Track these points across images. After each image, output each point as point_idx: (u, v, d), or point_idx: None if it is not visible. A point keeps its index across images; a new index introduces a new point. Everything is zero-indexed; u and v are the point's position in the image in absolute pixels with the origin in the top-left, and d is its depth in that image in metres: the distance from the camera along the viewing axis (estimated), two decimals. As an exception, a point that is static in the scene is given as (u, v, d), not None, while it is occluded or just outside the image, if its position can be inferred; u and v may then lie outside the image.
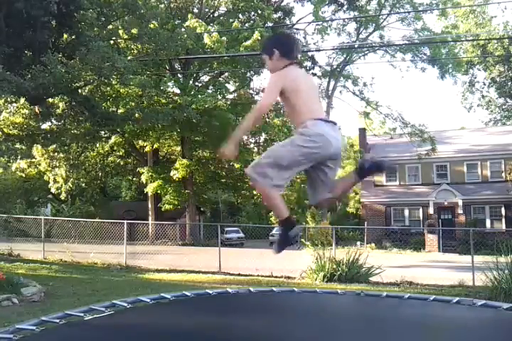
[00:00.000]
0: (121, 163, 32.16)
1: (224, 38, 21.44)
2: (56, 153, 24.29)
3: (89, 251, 14.15)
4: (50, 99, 15.29)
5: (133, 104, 22.09)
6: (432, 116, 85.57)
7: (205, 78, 27.34)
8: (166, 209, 26.38)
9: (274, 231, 29.92)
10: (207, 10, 27.21)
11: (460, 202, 25.62)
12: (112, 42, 17.35)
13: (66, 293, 8.16)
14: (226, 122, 22.35)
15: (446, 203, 26.03)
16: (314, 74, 31.80)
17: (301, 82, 2.63)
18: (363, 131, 33.15)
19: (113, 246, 14.72)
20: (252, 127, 2.66)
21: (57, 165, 25.45)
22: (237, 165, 28.92)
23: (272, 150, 2.65)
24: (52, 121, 17.50)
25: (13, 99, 14.45)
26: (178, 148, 30.38)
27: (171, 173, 24.77)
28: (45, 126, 18.64)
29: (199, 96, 21.88)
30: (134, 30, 17.08)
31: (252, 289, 3.84)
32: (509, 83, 36.76)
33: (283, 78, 2.57)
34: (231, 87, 27.28)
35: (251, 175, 2.45)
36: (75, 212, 31.42)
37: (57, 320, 2.59)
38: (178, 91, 25.00)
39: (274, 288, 3.99)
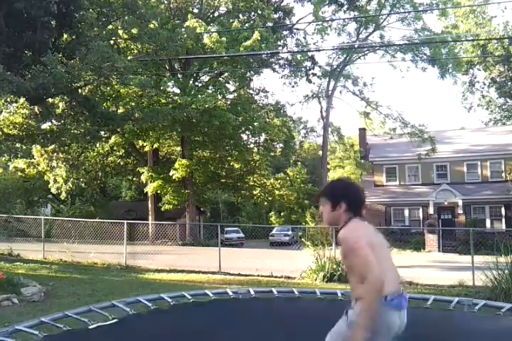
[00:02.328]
0: (121, 163, 32.17)
1: (224, 38, 21.43)
2: (55, 153, 24.29)
3: (89, 251, 14.14)
4: (50, 99, 15.28)
5: (133, 104, 22.10)
6: (432, 116, 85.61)
7: (205, 78, 27.34)
8: (166, 209, 26.39)
9: (274, 231, 29.97)
10: (207, 10, 27.19)
11: (460, 202, 25.60)
12: (112, 42, 17.35)
13: (66, 293, 8.15)
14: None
15: (446, 203, 26.01)
16: (314, 75, 31.85)
17: (374, 240, 2.35)
18: (363, 131, 33.14)
19: (113, 246, 14.70)
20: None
21: (56, 165, 25.46)
22: (237, 166, 28.98)
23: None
24: (52, 121, 17.50)
25: (13, 99, 14.45)
26: (178, 148, 30.39)
27: (171, 173, 24.78)
28: (45, 126, 18.64)
29: (199, 96, 21.88)
30: (134, 30, 17.07)
31: (252, 289, 3.84)
32: (509, 83, 36.72)
33: (362, 238, 2.27)
34: (231, 87, 27.30)
35: None
36: (74, 212, 31.44)
37: (57, 321, 2.59)
38: (178, 91, 25.01)
39: (273, 288, 3.99)
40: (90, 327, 2.69)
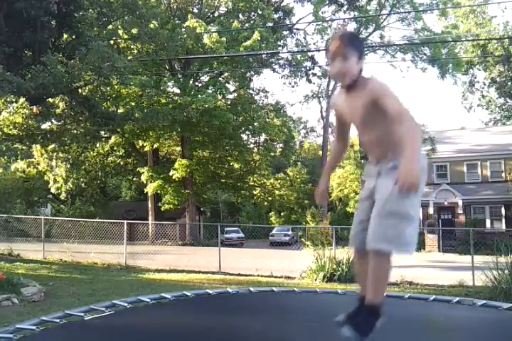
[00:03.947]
0: (121, 163, 32.15)
1: (224, 38, 21.44)
2: (55, 153, 24.28)
3: (89, 251, 14.14)
4: (50, 99, 15.28)
5: (133, 104, 22.10)
6: (432, 116, 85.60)
7: (205, 78, 27.34)
8: (166, 209, 26.38)
9: (274, 231, 29.96)
10: (207, 10, 27.20)
11: (460, 202, 25.60)
12: (112, 42, 17.34)
13: (66, 293, 8.15)
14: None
15: (446, 203, 26.00)
16: (314, 75, 31.86)
17: None
18: (363, 131, 33.10)
19: (113, 246, 14.70)
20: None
21: (56, 164, 25.46)
22: (237, 166, 28.99)
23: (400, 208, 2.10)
24: (52, 121, 17.49)
25: (13, 99, 14.45)
26: (178, 148, 30.38)
27: (171, 173, 24.78)
28: (45, 126, 18.63)
29: (199, 96, 21.89)
30: (134, 30, 17.07)
31: (252, 289, 3.84)
32: (509, 83, 36.72)
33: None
34: (231, 87, 27.30)
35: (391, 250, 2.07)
36: (74, 212, 31.42)
37: (57, 320, 2.59)
38: (178, 91, 25.01)
39: (274, 288, 3.99)
40: (86, 318, 2.70)
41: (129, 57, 17.48)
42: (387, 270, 2.15)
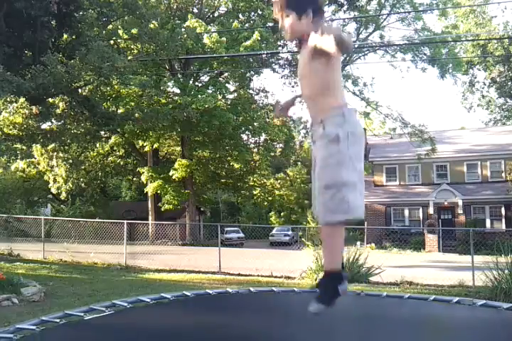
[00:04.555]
0: (121, 163, 32.16)
1: (224, 38, 21.44)
2: (55, 153, 24.28)
3: (89, 251, 14.14)
4: (50, 99, 15.28)
5: (133, 104, 22.10)
6: (432, 116, 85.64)
7: (205, 78, 27.35)
8: (166, 209, 26.40)
9: (274, 231, 29.96)
10: (207, 10, 27.20)
11: (460, 202, 25.61)
12: (112, 42, 17.35)
13: (66, 293, 8.15)
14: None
15: (446, 203, 26.01)
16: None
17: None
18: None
19: (113, 246, 14.71)
20: None
21: (57, 164, 25.47)
22: (237, 166, 29.00)
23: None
24: (52, 121, 17.50)
25: (13, 99, 14.46)
26: (178, 148, 30.40)
27: (171, 173, 24.79)
28: (45, 126, 18.65)
29: (199, 96, 21.89)
30: (134, 30, 17.08)
31: (252, 289, 3.84)
32: (509, 83, 36.72)
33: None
34: (231, 87, 27.30)
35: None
36: (75, 212, 31.40)
37: (58, 320, 2.59)
38: (178, 91, 25.02)
39: (274, 288, 3.99)
40: (86, 318, 2.70)
41: (129, 57, 17.48)
42: (340, 239, 2.16)
